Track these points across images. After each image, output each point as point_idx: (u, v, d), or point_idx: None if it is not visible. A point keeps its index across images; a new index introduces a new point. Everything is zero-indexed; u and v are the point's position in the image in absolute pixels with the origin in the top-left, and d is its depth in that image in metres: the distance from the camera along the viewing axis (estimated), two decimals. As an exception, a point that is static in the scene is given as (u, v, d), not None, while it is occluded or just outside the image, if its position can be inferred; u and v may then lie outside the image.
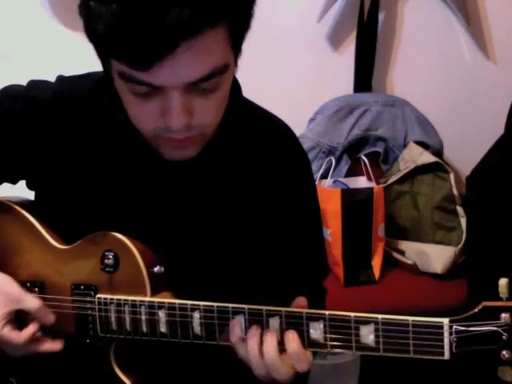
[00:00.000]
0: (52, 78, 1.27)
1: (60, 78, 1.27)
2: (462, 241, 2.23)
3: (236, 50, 1.07)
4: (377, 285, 2.23)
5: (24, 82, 1.27)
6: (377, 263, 2.23)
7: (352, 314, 1.04)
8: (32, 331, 1.22)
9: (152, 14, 0.95)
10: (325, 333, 1.05)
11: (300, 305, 1.10)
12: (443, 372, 1.53)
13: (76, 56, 2.14)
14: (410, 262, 2.28)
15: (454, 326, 0.98)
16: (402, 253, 2.32)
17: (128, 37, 0.97)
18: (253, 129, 1.26)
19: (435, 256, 2.25)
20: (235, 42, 1.05)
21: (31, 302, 1.23)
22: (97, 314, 1.21)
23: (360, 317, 1.04)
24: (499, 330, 0.97)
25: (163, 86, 1.02)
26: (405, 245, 2.33)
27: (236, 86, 1.23)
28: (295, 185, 1.28)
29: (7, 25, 2.29)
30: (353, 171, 2.40)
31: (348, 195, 2.18)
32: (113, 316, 1.20)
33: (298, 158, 1.30)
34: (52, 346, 1.24)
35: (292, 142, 1.31)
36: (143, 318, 1.17)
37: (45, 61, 2.25)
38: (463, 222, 2.24)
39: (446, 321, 0.99)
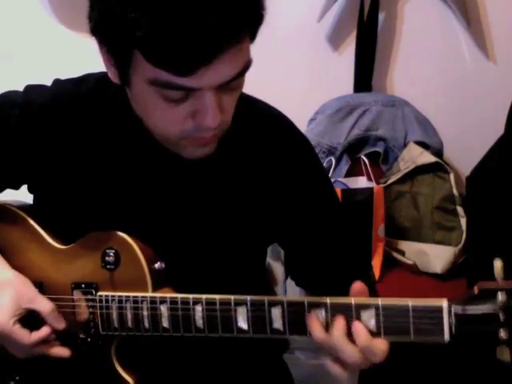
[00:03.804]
0: (52, 79, 1.27)
1: (57, 82, 1.27)
2: (462, 241, 2.23)
3: (252, 42, 1.09)
4: (377, 285, 2.22)
5: (24, 83, 1.27)
6: (377, 263, 2.23)
7: (353, 300, 1.04)
8: (42, 335, 1.22)
9: (198, 21, 0.96)
10: (327, 320, 1.05)
11: (358, 289, 1.07)
12: (442, 367, 1.53)
13: (76, 56, 2.15)
14: (410, 262, 2.28)
15: (453, 308, 0.99)
16: (402, 253, 2.31)
17: (175, 45, 0.97)
18: (253, 122, 1.25)
19: (435, 256, 2.25)
20: (253, 36, 1.07)
21: (44, 304, 1.23)
22: (98, 311, 1.21)
23: (361, 302, 1.04)
24: (496, 310, 0.97)
25: (201, 88, 1.03)
26: (405, 245, 2.32)
27: None
28: (303, 174, 1.27)
29: (7, 25, 2.29)
30: (353, 171, 2.39)
31: (348, 195, 2.19)
32: (114, 313, 1.20)
33: (300, 146, 1.29)
34: (60, 351, 1.24)
35: (291, 130, 1.30)
36: (145, 313, 1.17)
37: (45, 61, 2.25)
38: (463, 222, 2.24)
39: (444, 303, 0.99)
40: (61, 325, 1.24)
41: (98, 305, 1.21)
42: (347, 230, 1.33)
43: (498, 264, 0.98)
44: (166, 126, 1.10)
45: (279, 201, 1.25)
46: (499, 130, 2.00)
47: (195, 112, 1.06)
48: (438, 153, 2.39)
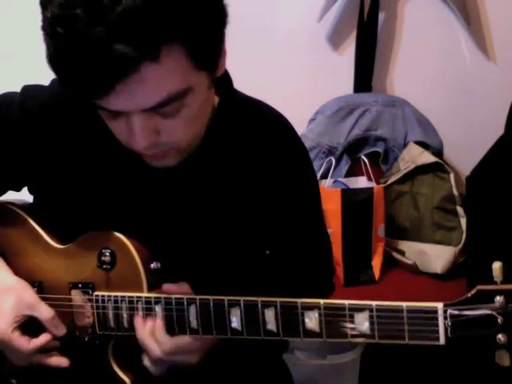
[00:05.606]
0: (52, 78, 1.27)
1: (54, 81, 1.26)
2: (462, 241, 2.23)
3: (206, 67, 1.04)
4: (377, 285, 2.22)
5: (24, 83, 1.27)
6: (377, 263, 2.23)
7: (346, 302, 1.03)
8: (42, 342, 1.22)
9: (88, 53, 0.93)
10: (320, 322, 1.05)
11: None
12: (441, 367, 1.53)
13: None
14: (410, 261, 2.28)
15: (449, 311, 0.97)
16: (402, 253, 2.31)
17: (71, 71, 0.96)
18: (244, 120, 1.26)
19: (435, 256, 2.25)
20: (200, 63, 1.02)
21: (44, 310, 1.23)
22: (95, 311, 1.22)
23: (354, 304, 1.03)
24: (494, 313, 0.96)
25: (120, 111, 1.02)
26: (405, 245, 2.32)
27: (226, 80, 1.23)
28: (292, 174, 1.27)
29: (7, 25, 2.29)
30: (353, 171, 2.40)
31: (348, 195, 2.18)
32: (110, 313, 1.20)
33: (292, 145, 1.30)
34: (59, 361, 1.24)
35: (284, 128, 1.30)
36: (140, 313, 1.17)
37: (45, 61, 2.25)
38: (463, 222, 2.24)
39: (440, 305, 0.98)
40: (61, 332, 1.24)
41: (94, 304, 1.22)
42: (314, 240, 1.36)
43: (496, 266, 0.97)
44: (116, 135, 1.11)
45: (265, 201, 1.26)
46: (499, 130, 2.00)
47: (128, 130, 1.05)
48: (438, 153, 2.39)
